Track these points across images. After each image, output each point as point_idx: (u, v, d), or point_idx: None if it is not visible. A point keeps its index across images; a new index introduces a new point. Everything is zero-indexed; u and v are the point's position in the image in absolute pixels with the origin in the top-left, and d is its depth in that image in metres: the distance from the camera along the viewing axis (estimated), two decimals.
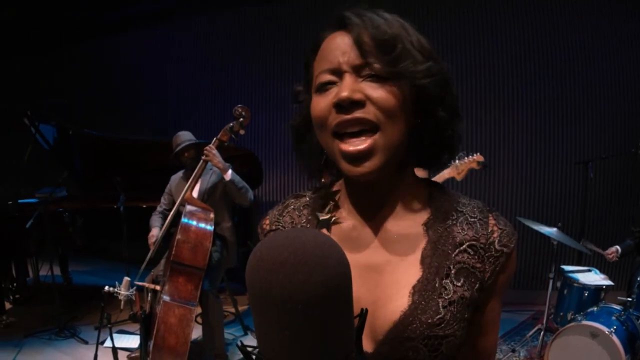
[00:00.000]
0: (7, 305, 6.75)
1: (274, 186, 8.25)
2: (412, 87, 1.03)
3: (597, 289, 4.59)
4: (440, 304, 1.04)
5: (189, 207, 4.55)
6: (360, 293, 1.06)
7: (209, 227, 4.45)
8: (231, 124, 4.75)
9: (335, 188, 1.26)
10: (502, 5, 6.65)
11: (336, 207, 1.23)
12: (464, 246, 1.09)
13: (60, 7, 9.46)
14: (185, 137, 5.12)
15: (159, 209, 5.39)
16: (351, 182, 1.18)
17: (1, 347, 5.61)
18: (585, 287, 4.60)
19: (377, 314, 1.07)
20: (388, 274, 1.10)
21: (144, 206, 6.40)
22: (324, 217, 1.22)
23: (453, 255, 1.09)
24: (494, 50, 6.68)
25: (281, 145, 8.17)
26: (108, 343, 4.39)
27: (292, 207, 1.32)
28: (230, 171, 4.82)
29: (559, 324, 4.62)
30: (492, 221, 1.12)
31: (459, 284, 1.07)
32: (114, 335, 4.45)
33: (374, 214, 1.15)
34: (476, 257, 1.09)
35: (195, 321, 4.73)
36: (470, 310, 1.08)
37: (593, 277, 4.76)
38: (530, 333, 5.18)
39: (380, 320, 1.06)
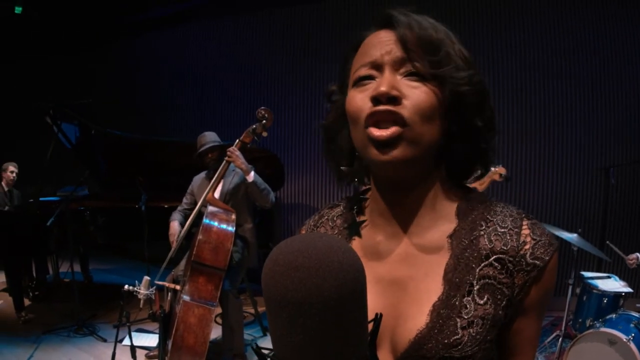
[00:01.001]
0: (27, 302, 6.80)
1: (296, 188, 8.25)
2: (451, 93, 1.01)
3: (617, 295, 4.54)
4: (459, 324, 1.00)
5: (210, 208, 4.56)
6: (384, 308, 1.06)
7: (230, 228, 4.46)
8: (254, 126, 4.75)
9: (367, 196, 1.24)
10: (517, 11, 6.63)
11: (361, 213, 1.23)
12: (491, 259, 1.03)
13: (86, 9, 9.55)
14: (209, 137, 5.13)
15: (179, 208, 5.40)
16: (380, 185, 1.14)
17: (19, 343, 5.65)
18: (604, 293, 4.56)
19: (398, 330, 1.05)
20: (411, 290, 1.07)
21: (166, 206, 6.42)
22: (352, 224, 1.22)
23: (477, 269, 1.02)
24: (514, 55, 6.65)
25: (304, 148, 8.18)
26: (127, 341, 4.41)
27: (325, 217, 1.32)
28: (252, 173, 4.83)
29: (578, 331, 4.57)
30: (525, 231, 1.04)
31: (482, 302, 1.01)
32: (133, 333, 4.47)
33: (401, 225, 1.12)
34: (504, 271, 1.02)
35: (215, 321, 4.75)
36: (495, 330, 1.02)
37: (612, 284, 4.71)
38: (549, 339, 5.14)
39: (400, 337, 1.04)
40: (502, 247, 1.03)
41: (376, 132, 0.97)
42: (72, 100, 7.69)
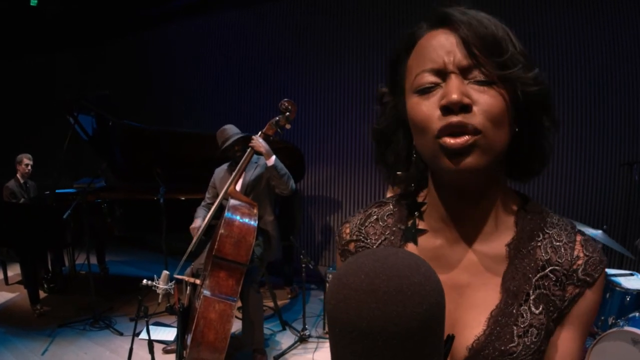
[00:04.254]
0: (42, 295, 6.78)
1: (317, 180, 8.21)
2: (521, 95, 0.98)
3: (639, 293, 4.48)
4: (515, 332, 1.01)
5: (232, 201, 4.51)
6: None
7: (253, 223, 4.41)
8: (277, 118, 4.70)
9: (420, 198, 1.22)
10: (553, 5, 6.52)
11: (421, 218, 1.20)
12: (546, 271, 1.05)
13: (103, 1, 9.54)
14: (232, 130, 5.06)
15: (203, 203, 5.35)
16: (442, 191, 1.12)
17: (34, 337, 5.62)
18: (627, 291, 4.48)
19: (456, 338, 1.05)
20: (468, 297, 1.08)
21: (184, 198, 6.40)
22: (410, 228, 1.19)
23: (534, 280, 1.04)
24: (540, 46, 6.54)
25: (324, 139, 8.14)
26: (144, 335, 4.37)
27: (375, 216, 1.27)
28: (274, 157, 4.79)
29: (600, 329, 4.51)
30: (578, 246, 1.07)
31: (537, 311, 1.03)
32: (150, 327, 4.43)
33: (462, 231, 1.11)
34: (558, 283, 1.04)
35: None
36: (547, 342, 1.05)
37: (636, 282, 4.63)
38: None
39: (457, 344, 1.05)
40: (557, 259, 1.05)
41: (450, 140, 0.94)
42: (89, 92, 7.69)
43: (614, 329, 3.94)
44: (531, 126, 1.04)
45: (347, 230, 1.30)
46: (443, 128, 0.95)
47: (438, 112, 0.96)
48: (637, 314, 4.12)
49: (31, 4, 8.97)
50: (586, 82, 6.36)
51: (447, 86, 0.95)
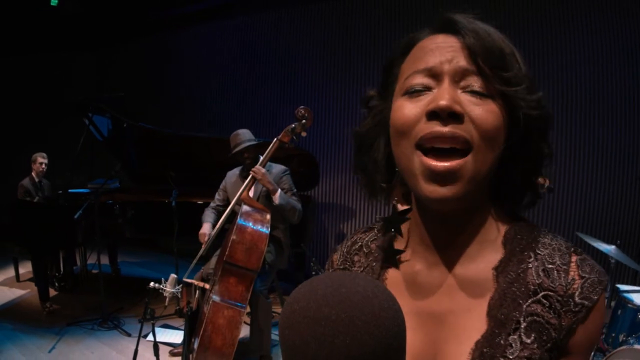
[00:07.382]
0: (52, 293, 6.80)
1: (331, 187, 8.14)
2: (519, 115, 0.91)
3: None
4: None
5: (245, 208, 4.48)
6: (422, 344, 0.99)
7: (265, 230, 4.38)
8: (293, 125, 4.64)
9: (408, 216, 1.13)
10: (560, 18, 6.47)
11: (399, 233, 1.13)
12: (539, 296, 0.94)
13: (120, 3, 9.56)
14: (245, 136, 4.99)
15: (212, 204, 5.28)
16: (423, 212, 1.04)
17: (42, 334, 5.65)
18: (639, 308, 4.43)
19: None
20: (450, 325, 0.98)
21: (199, 202, 6.36)
22: (389, 251, 1.11)
23: (525, 305, 0.93)
24: (551, 60, 6.50)
25: (339, 146, 8.08)
26: (151, 337, 4.36)
27: (359, 243, 1.21)
28: (278, 194, 4.73)
29: (610, 346, 4.45)
30: (574, 268, 0.94)
31: (529, 341, 0.91)
32: (158, 329, 4.43)
33: (443, 254, 1.02)
34: (551, 311, 0.92)
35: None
36: None
37: None
38: None
39: None
40: (550, 284, 0.94)
41: (434, 162, 0.87)
42: (104, 93, 7.71)
43: (624, 347, 3.87)
44: (529, 153, 0.97)
45: (335, 257, 1.24)
46: (427, 136, 0.87)
47: (424, 118, 0.88)
48: None
49: (51, 4, 8.98)
50: (600, 97, 6.31)
51: (438, 90, 0.89)
